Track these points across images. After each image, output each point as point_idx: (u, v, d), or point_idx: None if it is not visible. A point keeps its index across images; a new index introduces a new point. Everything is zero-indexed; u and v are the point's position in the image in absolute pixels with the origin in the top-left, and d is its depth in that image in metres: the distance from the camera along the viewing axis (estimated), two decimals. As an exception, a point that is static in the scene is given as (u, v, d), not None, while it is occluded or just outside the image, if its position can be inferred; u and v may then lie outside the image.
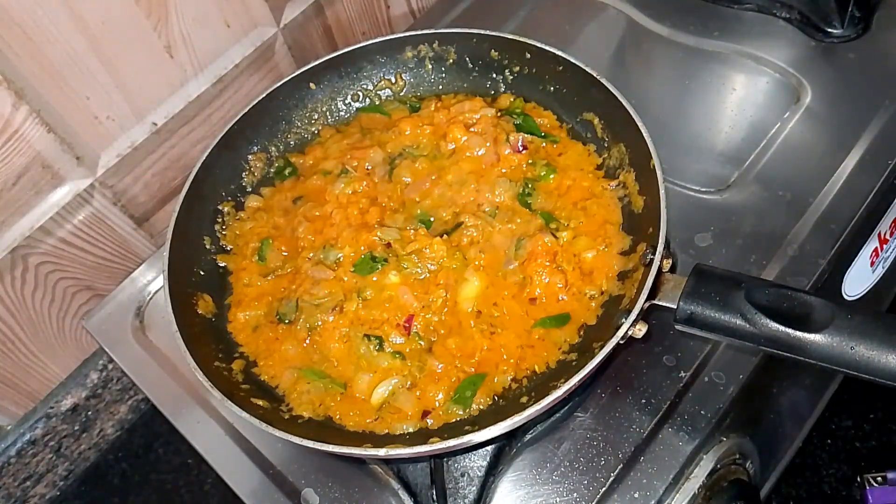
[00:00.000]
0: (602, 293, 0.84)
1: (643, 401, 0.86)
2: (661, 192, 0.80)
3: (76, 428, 1.17)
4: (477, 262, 0.88)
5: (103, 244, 1.10)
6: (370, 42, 1.05)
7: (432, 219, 0.93)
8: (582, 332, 0.83)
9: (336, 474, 0.87)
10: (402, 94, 1.10)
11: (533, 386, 0.81)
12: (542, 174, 0.95)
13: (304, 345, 0.86)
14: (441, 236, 0.89)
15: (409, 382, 0.81)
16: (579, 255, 0.87)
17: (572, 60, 0.95)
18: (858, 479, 1.27)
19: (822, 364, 0.68)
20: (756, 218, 0.99)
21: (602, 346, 0.71)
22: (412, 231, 0.91)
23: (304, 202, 0.98)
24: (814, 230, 0.96)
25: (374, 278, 0.88)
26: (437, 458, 0.84)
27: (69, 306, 1.10)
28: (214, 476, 0.90)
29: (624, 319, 0.73)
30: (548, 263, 0.86)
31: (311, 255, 0.92)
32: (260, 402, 0.80)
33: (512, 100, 1.04)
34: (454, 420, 0.79)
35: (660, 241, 0.76)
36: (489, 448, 0.85)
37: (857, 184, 0.99)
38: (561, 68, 0.98)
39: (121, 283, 1.08)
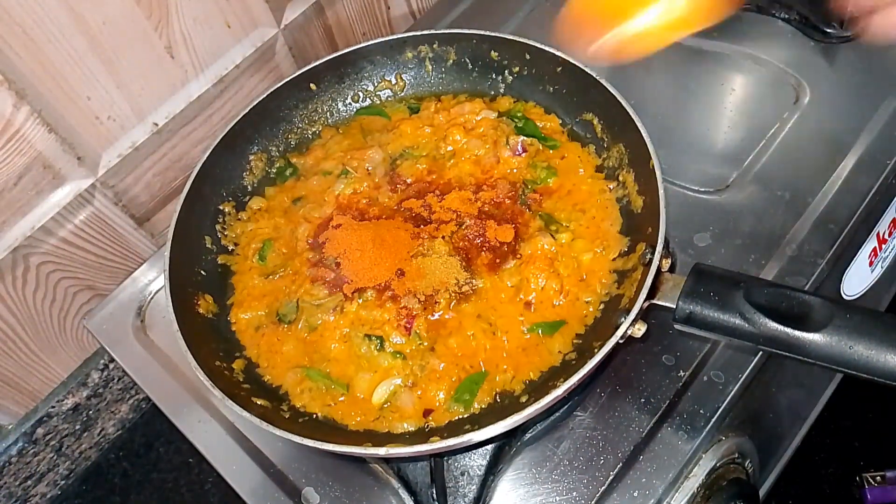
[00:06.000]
0: (597, 300, 0.85)
1: (642, 400, 0.86)
2: (661, 192, 0.80)
3: (77, 427, 1.17)
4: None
5: (104, 244, 1.10)
6: (370, 43, 1.05)
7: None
8: (575, 342, 0.83)
9: (336, 473, 0.87)
10: (402, 94, 1.10)
11: (533, 385, 0.81)
12: (543, 176, 0.95)
13: (305, 345, 0.86)
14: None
15: (410, 381, 0.82)
16: (577, 258, 0.87)
17: (572, 61, 0.95)
18: (857, 478, 1.28)
19: (820, 363, 0.68)
20: (755, 218, 0.99)
21: (601, 346, 0.71)
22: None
23: (305, 202, 0.99)
24: (813, 230, 0.96)
25: (375, 278, 0.88)
26: (438, 457, 0.84)
27: (70, 306, 1.11)
28: (215, 475, 0.90)
29: (623, 319, 0.73)
30: (545, 267, 0.86)
31: (311, 255, 0.92)
32: (260, 402, 0.80)
33: (513, 102, 1.05)
34: (454, 419, 0.79)
35: (659, 240, 0.76)
36: (489, 447, 0.85)
37: (856, 184, 1.00)
38: (560, 69, 0.98)
39: (122, 282, 1.09)
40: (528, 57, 1.01)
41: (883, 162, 1.01)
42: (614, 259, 0.87)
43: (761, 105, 1.11)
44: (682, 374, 0.87)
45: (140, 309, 1.06)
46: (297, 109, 1.06)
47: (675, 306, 0.73)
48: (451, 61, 1.07)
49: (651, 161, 0.83)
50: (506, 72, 1.05)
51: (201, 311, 0.88)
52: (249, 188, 1.02)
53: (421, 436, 0.78)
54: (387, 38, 1.05)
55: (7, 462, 1.09)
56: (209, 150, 0.95)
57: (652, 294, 0.75)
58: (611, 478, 0.82)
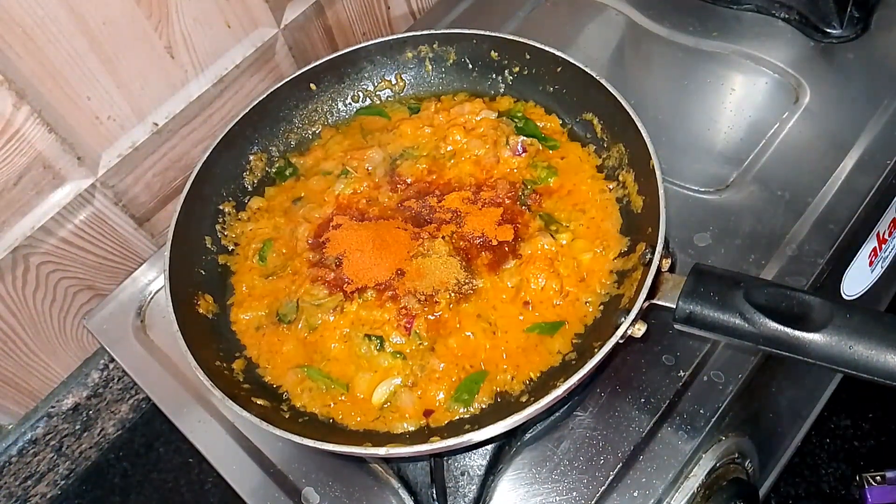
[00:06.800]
0: (596, 300, 0.85)
1: (642, 400, 0.86)
2: (661, 191, 0.80)
3: (77, 427, 1.17)
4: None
5: (104, 244, 1.10)
6: (370, 43, 1.05)
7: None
8: (575, 342, 0.83)
9: (337, 473, 0.87)
10: (402, 94, 1.10)
11: (533, 385, 0.81)
12: (543, 176, 0.95)
13: (305, 345, 0.86)
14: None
15: (410, 381, 0.82)
16: (577, 258, 0.87)
17: (572, 61, 0.96)
18: (857, 478, 1.28)
19: (820, 363, 0.68)
20: (755, 218, 0.99)
21: (601, 346, 0.71)
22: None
23: (305, 203, 0.99)
24: (813, 230, 0.96)
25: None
26: (438, 457, 0.84)
27: (70, 306, 1.11)
28: (215, 475, 0.90)
29: (623, 319, 0.73)
30: (545, 267, 0.86)
31: (311, 255, 0.92)
32: (261, 402, 0.80)
33: (513, 102, 1.05)
34: (454, 419, 0.79)
35: (659, 240, 0.76)
36: (489, 447, 0.85)
37: (856, 184, 1.00)
38: (560, 69, 0.98)
39: (122, 282, 1.09)
40: (528, 57, 1.01)
41: (883, 162, 1.01)
42: (614, 259, 0.87)
43: (761, 105, 1.11)
44: (682, 374, 0.87)
45: (140, 309, 1.06)
46: (297, 109, 1.06)
47: (675, 306, 0.73)
48: (451, 61, 1.07)
49: (651, 161, 0.83)
50: (506, 72, 1.05)
51: (201, 311, 0.88)
52: (249, 188, 1.02)
53: (421, 436, 0.78)
54: (387, 38, 1.06)
55: (7, 462, 1.09)
56: (209, 150, 0.95)
57: (652, 294, 0.75)
58: (611, 478, 0.82)
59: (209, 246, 0.95)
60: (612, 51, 1.24)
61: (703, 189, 1.03)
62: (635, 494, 0.81)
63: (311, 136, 1.08)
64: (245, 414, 0.73)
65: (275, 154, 1.05)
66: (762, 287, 0.71)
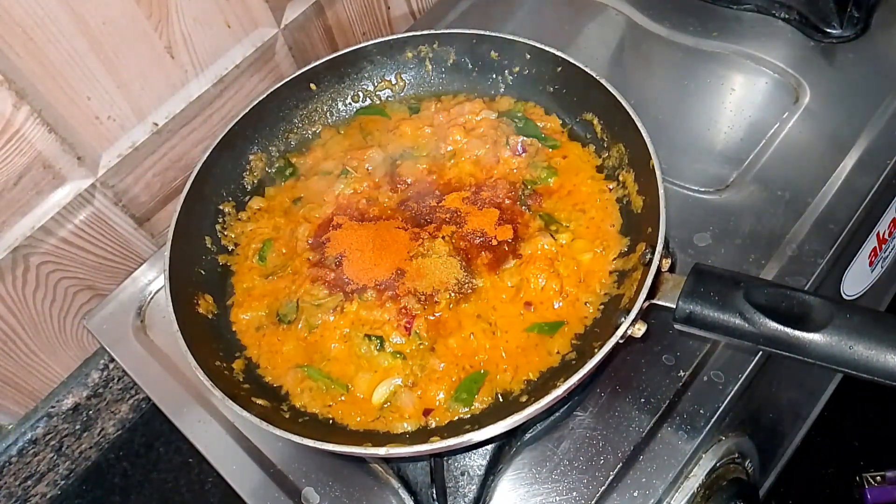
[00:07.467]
0: (596, 300, 0.85)
1: (642, 400, 0.86)
2: (661, 191, 0.80)
3: (77, 427, 1.17)
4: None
5: (104, 244, 1.10)
6: (370, 43, 1.05)
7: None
8: (575, 342, 0.83)
9: (337, 473, 0.87)
10: (402, 94, 1.10)
11: (533, 385, 0.81)
12: (543, 176, 0.95)
13: (305, 345, 0.86)
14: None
15: (410, 381, 0.82)
16: (577, 258, 0.87)
17: (572, 61, 0.96)
18: (857, 478, 1.28)
19: (820, 363, 0.68)
20: (755, 218, 0.99)
21: (601, 346, 0.71)
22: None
23: (305, 203, 0.99)
24: (813, 230, 0.96)
25: (375, 278, 0.88)
26: (437, 457, 0.84)
27: (70, 306, 1.11)
28: (215, 475, 0.90)
29: (623, 319, 0.73)
30: (545, 267, 0.86)
31: (311, 255, 0.92)
32: (261, 402, 0.80)
33: (513, 102, 1.05)
34: (454, 419, 0.79)
35: (659, 240, 0.76)
36: (489, 447, 0.85)
37: (856, 183, 1.00)
38: (560, 69, 0.98)
39: (122, 282, 1.09)
40: (528, 57, 1.01)
41: (883, 161, 1.01)
42: (614, 259, 0.87)
43: (761, 105, 1.11)
44: (682, 373, 0.87)
45: (140, 309, 1.06)
46: (297, 109, 1.06)
47: (675, 306, 0.73)
48: (451, 61, 1.07)
49: (651, 161, 0.83)
50: (506, 72, 1.05)
51: (201, 311, 0.88)
52: (249, 188, 1.02)
53: (421, 436, 0.78)
54: (387, 38, 1.06)
55: (7, 462, 1.09)
56: (209, 150, 0.95)
57: (652, 294, 0.75)
58: (611, 478, 0.82)
59: (209, 246, 0.95)
60: (612, 51, 1.24)
61: (703, 189, 1.03)
62: (635, 494, 0.81)
63: (311, 136, 1.08)
64: (245, 414, 0.73)
65: (275, 154, 1.05)
66: (762, 287, 0.71)
